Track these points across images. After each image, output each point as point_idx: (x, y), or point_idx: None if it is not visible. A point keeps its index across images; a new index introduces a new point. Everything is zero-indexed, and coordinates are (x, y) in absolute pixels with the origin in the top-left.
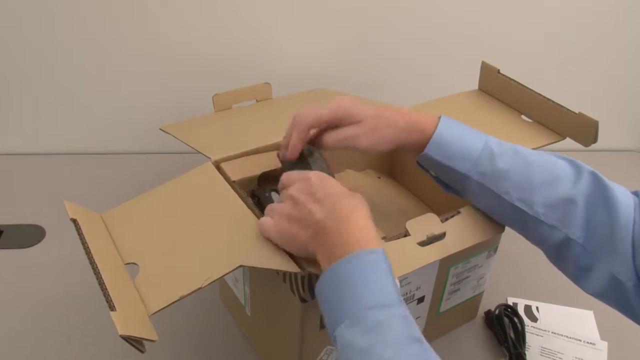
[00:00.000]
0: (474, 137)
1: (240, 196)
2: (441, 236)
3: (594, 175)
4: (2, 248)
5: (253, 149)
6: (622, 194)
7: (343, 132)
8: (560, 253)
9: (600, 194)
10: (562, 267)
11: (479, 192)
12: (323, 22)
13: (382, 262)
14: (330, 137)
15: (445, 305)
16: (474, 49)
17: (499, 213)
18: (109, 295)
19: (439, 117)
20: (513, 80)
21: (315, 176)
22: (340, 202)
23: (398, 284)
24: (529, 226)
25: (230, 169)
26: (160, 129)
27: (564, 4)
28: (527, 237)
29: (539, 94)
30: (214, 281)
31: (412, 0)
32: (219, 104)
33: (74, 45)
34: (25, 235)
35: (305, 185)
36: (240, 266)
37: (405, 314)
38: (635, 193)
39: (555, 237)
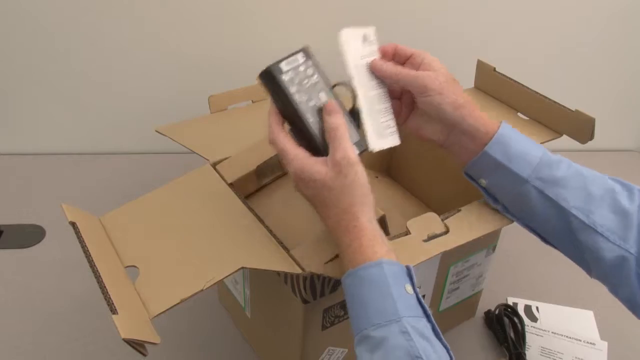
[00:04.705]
0: (533, 144)
1: (240, 198)
2: (443, 235)
3: None
4: (2, 248)
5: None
6: None
7: (414, 71)
8: (614, 272)
9: None
10: (618, 292)
11: (534, 200)
12: (320, 22)
13: (386, 276)
14: (394, 67)
15: (445, 304)
16: (470, 47)
17: (551, 226)
18: (110, 298)
19: (500, 121)
20: (509, 78)
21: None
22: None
23: (410, 290)
24: (584, 239)
25: (226, 169)
26: (156, 131)
27: (563, 2)
28: (579, 257)
29: (535, 91)
30: (215, 283)
31: (410, 2)
32: (215, 105)
33: (74, 46)
34: (25, 235)
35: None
36: (242, 268)
37: (407, 329)
38: None
39: (610, 252)
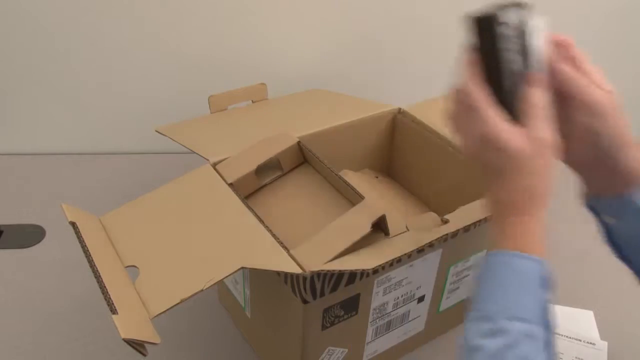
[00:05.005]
0: None
1: (240, 198)
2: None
3: None
4: (2, 248)
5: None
6: None
7: (587, 80)
8: None
9: None
10: None
11: None
12: (319, 22)
13: (537, 274)
14: (571, 71)
15: (445, 304)
16: None
17: None
18: (110, 298)
19: None
20: None
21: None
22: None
23: (545, 294)
24: None
25: (226, 169)
26: (156, 131)
27: (562, 2)
28: None
29: None
30: (215, 283)
31: (410, 1)
32: (215, 105)
33: (74, 46)
34: (25, 235)
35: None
36: (242, 268)
37: (533, 334)
38: None
39: None
